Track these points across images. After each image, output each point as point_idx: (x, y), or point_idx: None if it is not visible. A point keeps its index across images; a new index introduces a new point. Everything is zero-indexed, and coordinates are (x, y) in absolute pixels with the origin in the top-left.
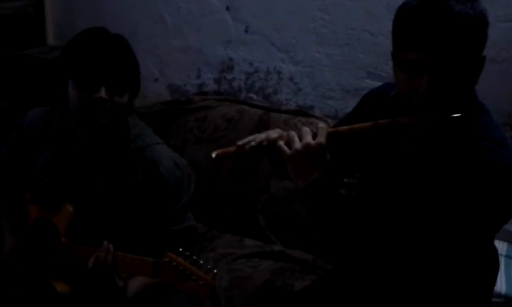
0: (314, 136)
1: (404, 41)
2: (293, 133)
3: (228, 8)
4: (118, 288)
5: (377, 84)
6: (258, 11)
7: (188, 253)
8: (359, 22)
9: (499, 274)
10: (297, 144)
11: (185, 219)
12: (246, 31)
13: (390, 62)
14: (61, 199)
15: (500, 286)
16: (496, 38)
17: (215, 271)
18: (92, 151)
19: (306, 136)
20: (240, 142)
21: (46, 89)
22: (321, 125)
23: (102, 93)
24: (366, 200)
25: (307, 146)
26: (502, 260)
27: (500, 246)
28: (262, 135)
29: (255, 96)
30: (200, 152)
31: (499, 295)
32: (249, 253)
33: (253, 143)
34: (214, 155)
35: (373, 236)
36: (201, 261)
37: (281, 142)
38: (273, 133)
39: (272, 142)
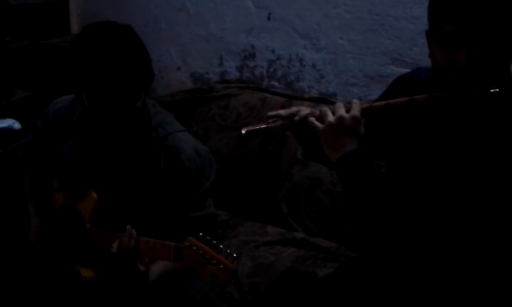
0: (348, 111)
1: (442, 14)
2: (326, 108)
3: None
4: (140, 272)
5: (402, 70)
6: None
7: (208, 238)
8: (383, 7)
9: None
10: (331, 117)
11: (206, 205)
12: (269, 18)
13: (415, 48)
14: (86, 186)
15: None
16: None
17: (234, 255)
18: (115, 140)
19: (339, 110)
20: (270, 113)
21: (68, 78)
22: (355, 100)
23: (112, 108)
24: (397, 179)
25: (341, 119)
26: None
27: None
28: (294, 109)
29: (277, 84)
30: (222, 140)
31: None
32: (271, 240)
33: (283, 114)
34: (244, 132)
35: (403, 214)
36: (221, 246)
37: (313, 118)
38: (304, 110)
39: (304, 119)
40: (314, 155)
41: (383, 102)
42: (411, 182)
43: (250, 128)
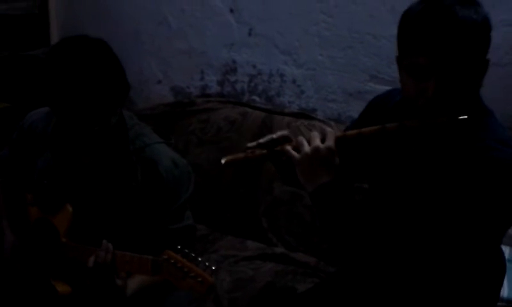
0: (323, 140)
1: (411, 46)
2: (301, 138)
3: (231, 11)
4: (117, 287)
5: (380, 87)
6: (261, 14)
7: (187, 251)
8: (362, 25)
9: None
10: (307, 148)
11: (184, 217)
12: (250, 34)
13: (393, 66)
14: (61, 200)
15: (503, 290)
16: (499, 41)
17: (213, 268)
18: (90, 154)
19: (314, 140)
20: (249, 144)
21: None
22: (329, 129)
23: (84, 127)
24: (375, 204)
25: (316, 150)
26: None
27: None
28: (272, 135)
29: (257, 99)
30: (202, 154)
31: (502, 300)
32: (251, 255)
33: (261, 141)
34: (223, 161)
35: (380, 239)
36: (200, 259)
37: (289, 147)
38: (279, 134)
39: (284, 139)
40: (293, 182)
41: (355, 131)
42: (391, 202)
43: (229, 157)
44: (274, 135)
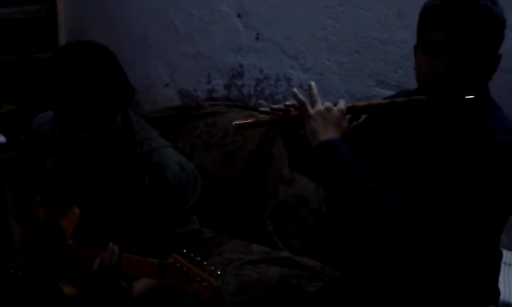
0: (335, 104)
1: (428, 22)
2: (315, 94)
3: (239, 15)
4: (123, 289)
5: (387, 92)
6: (269, 19)
7: (192, 255)
8: (369, 30)
9: (505, 283)
10: (320, 106)
11: (190, 222)
12: (257, 38)
13: (399, 71)
14: (68, 202)
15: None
16: (507, 48)
17: (219, 273)
18: (98, 156)
19: (327, 103)
20: (262, 109)
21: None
22: (341, 100)
23: (83, 134)
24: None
25: (329, 108)
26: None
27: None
28: (285, 102)
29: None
30: (208, 157)
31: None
32: (256, 259)
33: (274, 106)
34: (234, 124)
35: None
36: (205, 263)
37: (305, 100)
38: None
39: (287, 112)
40: (300, 164)
41: (365, 103)
42: (394, 181)
43: (241, 121)
44: (287, 102)
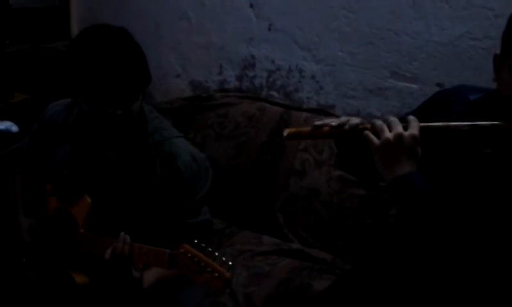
0: (405, 128)
1: None
2: (381, 123)
3: (251, 6)
4: (134, 278)
5: (401, 84)
6: (281, 9)
7: (204, 245)
8: (383, 21)
9: None
10: (388, 134)
11: (201, 212)
12: (269, 29)
13: (414, 62)
14: (80, 191)
15: None
16: None
17: (230, 263)
18: (110, 145)
19: (396, 127)
20: (317, 123)
21: (65, 81)
22: (412, 117)
23: (110, 111)
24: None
25: (400, 137)
26: None
27: None
28: (343, 119)
29: (276, 94)
30: (219, 149)
31: None
32: (267, 250)
33: (333, 124)
34: (285, 133)
35: (451, 237)
36: (217, 253)
37: (368, 132)
38: (355, 120)
39: (354, 128)
40: (349, 166)
41: (442, 124)
42: (460, 207)
43: (293, 129)
44: (347, 126)
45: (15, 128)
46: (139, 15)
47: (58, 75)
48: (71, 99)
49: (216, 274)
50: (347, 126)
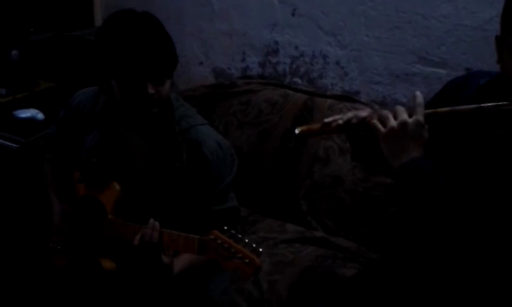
0: (410, 115)
1: None
2: (386, 112)
3: None
4: (164, 265)
5: (429, 69)
6: None
7: (233, 232)
8: (410, 5)
9: None
10: (393, 122)
11: (228, 199)
12: (293, 14)
13: (442, 47)
14: (108, 178)
15: None
16: None
17: (260, 250)
18: (138, 133)
19: (401, 114)
20: (327, 120)
21: (94, 70)
22: (418, 102)
23: (149, 89)
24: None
25: (404, 124)
26: None
27: None
28: (350, 114)
29: (299, 81)
30: (242, 136)
31: None
32: (290, 238)
33: (340, 121)
34: (297, 131)
35: (461, 223)
36: (247, 240)
37: (375, 120)
38: (362, 112)
39: (362, 121)
40: (365, 159)
41: (448, 108)
42: (471, 191)
43: (305, 127)
44: (355, 119)
45: (40, 115)
46: (161, 3)
47: (83, 62)
48: (97, 87)
49: (247, 260)
50: (354, 120)
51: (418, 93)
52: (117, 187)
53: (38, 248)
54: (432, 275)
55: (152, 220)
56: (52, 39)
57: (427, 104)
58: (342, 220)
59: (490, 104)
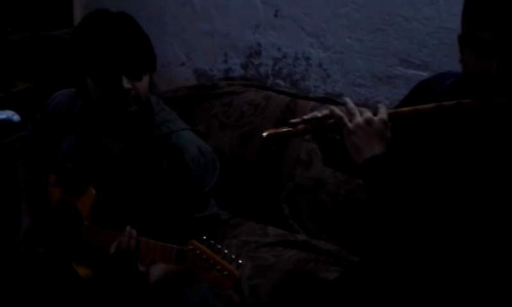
0: (375, 114)
1: (476, 20)
2: (353, 107)
3: None
4: (140, 273)
5: (411, 72)
6: None
7: (212, 242)
8: (393, 7)
9: None
10: (359, 118)
11: (209, 206)
12: (276, 15)
13: (424, 49)
14: (85, 183)
15: None
16: None
17: (240, 262)
18: (116, 137)
19: (366, 112)
20: (293, 120)
21: (71, 71)
22: (380, 104)
23: (124, 83)
24: (422, 186)
25: (369, 121)
26: None
27: None
28: (315, 113)
29: (282, 83)
30: (224, 138)
31: None
32: (272, 242)
33: (305, 117)
34: (265, 135)
35: (428, 221)
36: (226, 251)
37: (343, 115)
38: (325, 110)
39: (329, 118)
40: (336, 163)
41: (409, 108)
42: (437, 190)
43: (272, 131)
44: (319, 114)
45: (16, 117)
46: (142, 2)
47: (61, 63)
48: (75, 89)
49: (226, 272)
50: (319, 114)
51: (347, 99)
52: (93, 192)
53: (9, 254)
54: (411, 275)
55: (128, 228)
56: (30, 39)
57: (397, 108)
58: (324, 223)
59: (450, 102)
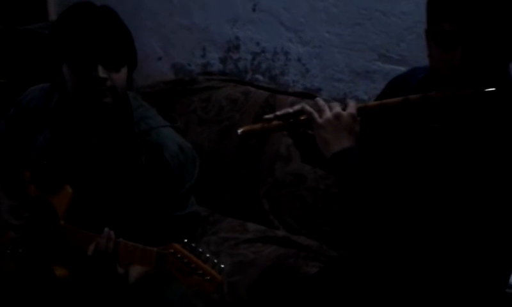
0: (344, 109)
1: (439, 12)
2: (323, 103)
3: None
4: (118, 275)
5: (389, 66)
6: None
7: (194, 245)
8: (371, 2)
9: None
10: (328, 113)
11: (189, 204)
12: (254, 9)
13: (402, 44)
14: (61, 180)
15: None
16: None
17: (222, 266)
18: (93, 133)
19: (335, 107)
20: (266, 116)
21: (47, 65)
22: (350, 100)
23: (100, 72)
24: (392, 178)
25: (338, 115)
26: None
27: None
28: (288, 109)
29: (261, 78)
30: (203, 134)
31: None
32: (252, 238)
33: (278, 113)
34: (239, 132)
35: (398, 213)
36: (208, 255)
37: (312, 109)
38: (298, 106)
39: (300, 113)
40: (313, 159)
41: (377, 102)
42: (407, 182)
43: (246, 128)
44: (291, 109)
45: None
46: None
47: (36, 58)
48: (50, 84)
49: (208, 277)
50: (290, 110)
51: (318, 98)
52: (70, 190)
53: None
54: (384, 268)
55: (107, 229)
56: (3, 33)
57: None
58: (304, 219)
59: (416, 96)
